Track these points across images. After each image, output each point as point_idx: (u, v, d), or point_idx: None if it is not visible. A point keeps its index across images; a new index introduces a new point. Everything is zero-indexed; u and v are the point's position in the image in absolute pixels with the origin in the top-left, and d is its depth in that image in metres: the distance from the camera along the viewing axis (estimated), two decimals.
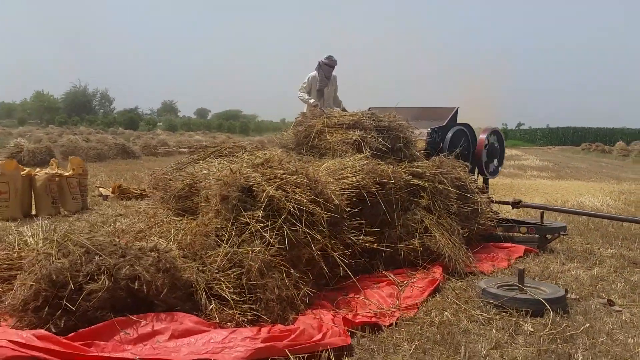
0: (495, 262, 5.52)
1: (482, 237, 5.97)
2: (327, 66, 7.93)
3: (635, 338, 3.60)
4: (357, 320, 3.65)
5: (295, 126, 6.11)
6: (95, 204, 8.89)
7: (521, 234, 6.24)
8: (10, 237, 4.01)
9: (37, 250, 3.50)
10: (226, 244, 3.78)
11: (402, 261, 4.94)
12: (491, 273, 5.20)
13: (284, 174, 4.17)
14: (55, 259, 3.30)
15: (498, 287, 4.29)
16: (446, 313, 3.93)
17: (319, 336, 3.27)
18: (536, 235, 6.19)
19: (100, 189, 9.92)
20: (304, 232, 3.91)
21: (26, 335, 2.95)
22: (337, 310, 3.94)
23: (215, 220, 3.95)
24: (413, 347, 3.34)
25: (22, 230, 3.99)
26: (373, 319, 3.73)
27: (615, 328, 3.79)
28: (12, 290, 3.54)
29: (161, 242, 3.92)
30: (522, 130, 78.75)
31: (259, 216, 3.89)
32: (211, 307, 3.44)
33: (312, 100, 7.79)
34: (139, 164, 17.98)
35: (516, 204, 6.50)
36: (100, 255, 3.35)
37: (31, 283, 3.14)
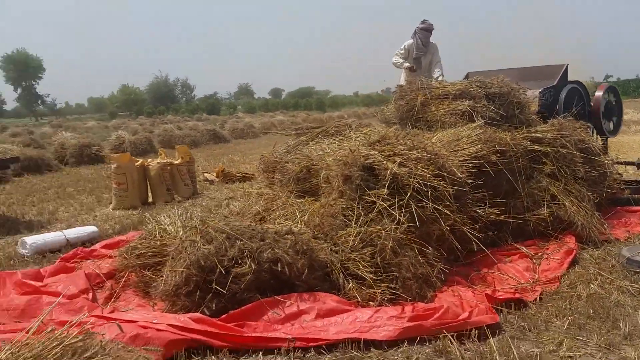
0: (629, 227, 5.17)
1: (609, 202, 5.59)
2: (423, 31, 7.59)
3: None
4: (500, 297, 3.53)
5: (396, 100, 5.96)
6: (203, 188, 9.23)
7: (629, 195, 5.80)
8: (149, 226, 4.22)
9: (181, 238, 3.65)
10: (355, 224, 3.77)
11: (532, 232, 4.72)
12: (627, 240, 4.88)
13: (403, 150, 4.08)
14: (200, 245, 3.42)
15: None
16: (592, 285, 3.72)
17: (465, 314, 3.19)
18: None
19: (205, 174, 10.28)
20: (432, 208, 3.82)
21: (183, 319, 3.10)
22: (473, 286, 3.85)
23: (340, 200, 3.94)
24: (566, 323, 3.18)
25: (159, 219, 4.18)
26: (516, 295, 3.60)
27: None
28: (159, 276, 3.74)
29: (294, 225, 3.99)
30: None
31: (384, 194, 3.84)
32: (349, 286, 3.46)
33: (407, 64, 7.55)
34: (231, 147, 18.50)
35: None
36: (241, 240, 3.44)
37: (182, 269, 3.28)
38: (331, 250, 3.66)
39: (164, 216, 4.20)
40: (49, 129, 31.00)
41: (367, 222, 3.75)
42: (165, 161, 8.15)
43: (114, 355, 2.39)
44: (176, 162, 8.34)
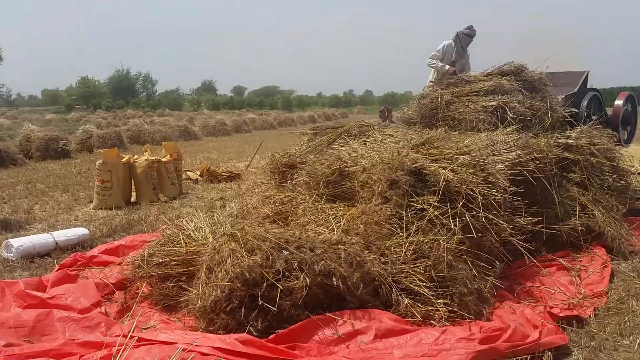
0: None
1: (630, 212, 5.49)
2: (467, 37, 7.30)
3: None
4: (560, 314, 3.31)
5: (419, 99, 5.71)
6: (188, 188, 8.76)
7: None
8: (168, 231, 3.80)
9: (214, 246, 3.27)
10: (404, 233, 3.48)
11: (565, 243, 4.54)
12: None
13: (452, 153, 3.82)
14: (243, 255, 3.06)
15: None
16: None
17: (536, 335, 2.94)
18: None
19: (188, 172, 9.78)
20: (483, 217, 3.57)
21: (230, 341, 2.73)
22: (522, 301, 3.62)
23: (385, 206, 3.64)
24: (637, 343, 2.98)
25: (180, 223, 3.78)
26: (574, 312, 3.38)
27: None
28: (185, 289, 3.36)
29: (330, 232, 3.67)
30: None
31: (434, 201, 3.57)
32: (405, 302, 3.15)
33: (447, 67, 7.20)
34: (204, 145, 17.92)
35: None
36: (287, 250, 3.09)
37: (225, 282, 2.90)
38: (380, 262, 3.34)
39: (186, 220, 3.79)
40: (5, 120, 29.51)
41: (416, 231, 3.46)
42: (153, 158, 7.66)
43: None
44: (164, 159, 7.86)
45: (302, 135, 5.92)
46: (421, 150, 3.93)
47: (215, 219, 3.77)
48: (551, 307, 3.44)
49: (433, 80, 6.99)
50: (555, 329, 3.05)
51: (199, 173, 9.67)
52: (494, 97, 5.22)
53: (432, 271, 3.28)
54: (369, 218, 3.65)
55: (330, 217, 3.94)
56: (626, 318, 3.33)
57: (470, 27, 7.16)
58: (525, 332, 2.99)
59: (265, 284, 2.93)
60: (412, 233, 3.47)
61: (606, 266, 4.21)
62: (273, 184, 5.63)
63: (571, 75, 6.44)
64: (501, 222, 3.62)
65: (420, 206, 3.59)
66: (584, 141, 5.01)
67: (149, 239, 4.69)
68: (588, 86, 6.40)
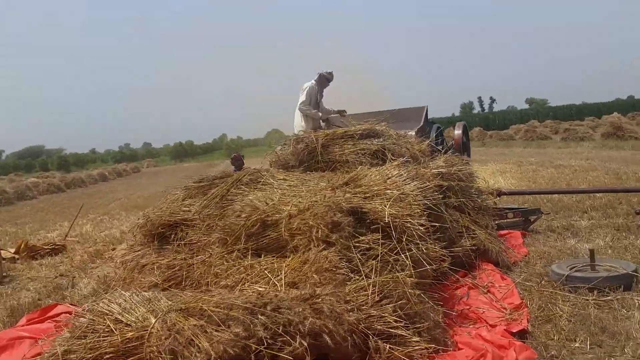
0: (515, 249, 5.68)
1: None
2: (327, 81, 7.43)
3: None
4: (514, 330, 3.47)
5: (295, 144, 5.67)
6: (8, 269, 7.28)
7: (508, 220, 6.53)
8: (82, 319, 3.04)
9: (169, 327, 2.72)
10: (358, 276, 3.35)
11: (464, 263, 4.83)
12: (521, 261, 5.35)
13: (380, 189, 3.83)
14: (215, 330, 2.60)
15: (578, 270, 4.40)
16: (563, 306, 3.92)
17: (513, 354, 3.04)
18: (522, 219, 6.55)
19: (1, 251, 8.15)
20: (424, 248, 3.63)
21: None
22: (463, 324, 3.73)
23: (330, 251, 3.46)
24: (587, 343, 3.28)
25: (99, 308, 3.05)
26: (521, 326, 3.58)
27: None
28: None
29: (272, 288, 3.35)
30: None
31: (379, 239, 3.52)
32: (387, 348, 3.00)
33: (320, 114, 7.26)
34: None
35: (499, 194, 6.81)
36: (264, 315, 2.73)
37: None
38: (347, 310, 3.14)
39: (104, 303, 3.09)
40: None
41: (370, 271, 3.36)
42: None
43: None
44: None
45: (186, 189, 5.40)
46: (348, 189, 3.85)
47: (142, 296, 3.14)
48: (493, 326, 3.60)
49: (304, 124, 7.06)
50: (522, 345, 3.18)
51: (13, 250, 8.15)
52: (370, 140, 5.43)
53: (399, 310, 3.19)
54: (318, 266, 3.42)
55: (266, 272, 3.61)
56: (559, 324, 3.62)
57: (331, 73, 7.37)
58: (500, 355, 3.07)
59: (253, 356, 2.53)
60: (367, 274, 3.35)
61: (505, 279, 4.59)
62: (152, 249, 5.02)
63: (414, 111, 7.06)
64: (435, 249, 3.71)
65: (367, 245, 3.50)
66: (452, 169, 5.47)
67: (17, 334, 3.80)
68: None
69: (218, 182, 5.00)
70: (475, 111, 77.60)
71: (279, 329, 2.67)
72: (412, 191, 4.40)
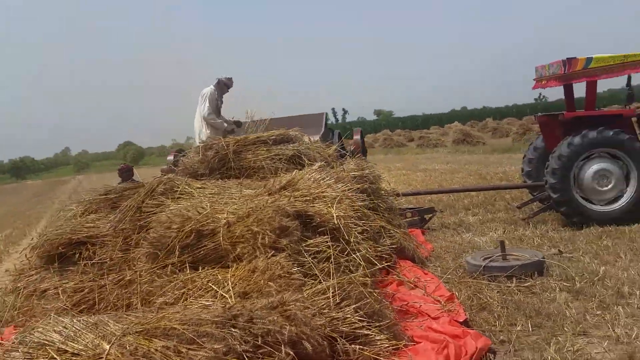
0: (422, 244, 5.92)
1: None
2: (226, 87, 7.13)
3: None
4: (460, 320, 3.59)
5: (204, 151, 5.39)
6: None
7: (407, 219, 6.81)
8: (15, 354, 2.53)
9: (129, 352, 2.40)
10: (314, 280, 3.26)
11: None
12: (431, 256, 5.60)
13: (319, 192, 3.76)
14: (186, 349, 2.36)
15: (492, 261, 4.70)
16: (491, 293, 4.15)
17: (471, 343, 3.14)
18: (417, 218, 6.88)
19: None
20: (371, 247, 3.64)
21: None
22: (406, 318, 3.80)
23: (279, 257, 3.33)
24: (528, 326, 3.50)
25: (34, 340, 2.56)
26: (464, 316, 3.72)
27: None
28: None
29: (220, 301, 3.13)
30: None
31: (327, 241, 3.46)
32: (356, 349, 2.94)
33: (225, 124, 7.09)
34: None
35: (398, 195, 7.07)
36: (235, 328, 2.53)
37: None
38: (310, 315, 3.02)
39: (40, 332, 2.62)
40: None
41: (325, 274, 3.28)
42: None
43: None
44: None
45: (67, 208, 4.85)
46: (286, 193, 3.74)
47: (83, 320, 2.73)
48: (436, 318, 3.70)
49: (208, 132, 6.75)
50: (476, 333, 3.31)
51: None
52: (284, 145, 5.35)
53: (360, 310, 3.15)
54: (270, 273, 3.25)
55: (210, 284, 3.36)
56: (494, 312, 3.82)
57: (230, 79, 7.12)
58: (459, 344, 3.16)
59: None
60: (321, 278, 3.27)
61: (427, 274, 4.76)
62: (51, 272, 4.47)
63: (313, 117, 7.10)
64: (382, 248, 3.74)
65: (316, 249, 3.42)
66: (364, 172, 5.57)
67: None
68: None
69: (128, 193, 4.58)
70: (329, 122, 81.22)
71: (257, 340, 2.49)
72: (342, 193, 4.42)
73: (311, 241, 3.47)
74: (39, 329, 2.70)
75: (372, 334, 3.04)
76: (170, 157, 7.60)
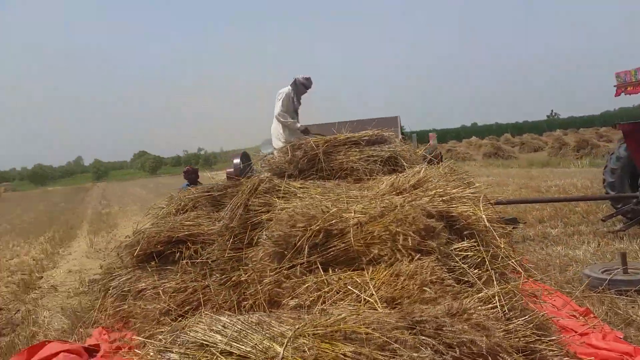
0: None
1: None
2: (303, 87, 6.85)
3: None
4: (620, 337, 3.28)
5: (292, 151, 5.11)
6: None
7: None
8: (171, 356, 2.25)
9: (312, 356, 2.11)
10: (471, 288, 2.96)
11: None
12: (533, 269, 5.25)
13: (458, 191, 3.48)
14: (381, 356, 2.07)
15: (616, 274, 4.34)
16: (623, 310, 3.82)
17: None
18: None
19: None
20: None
21: None
22: None
23: (432, 260, 3.03)
24: None
25: (194, 340, 2.29)
26: (620, 332, 3.39)
27: None
28: None
29: (363, 307, 2.84)
30: None
31: (475, 246, 3.17)
32: None
33: (298, 124, 6.76)
34: None
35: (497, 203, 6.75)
36: (423, 334, 2.24)
37: None
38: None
39: (199, 332, 2.35)
40: None
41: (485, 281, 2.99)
42: None
43: None
44: None
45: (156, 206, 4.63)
46: (418, 193, 3.46)
47: (246, 320, 2.44)
48: (584, 334, 3.38)
49: (283, 134, 6.52)
50: None
51: None
52: (379, 146, 5.07)
53: (530, 323, 2.83)
54: (422, 278, 2.95)
55: (349, 287, 3.07)
56: None
57: (308, 79, 6.84)
58: None
59: None
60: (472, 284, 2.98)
61: (545, 287, 4.43)
62: (148, 271, 4.23)
63: (388, 120, 6.80)
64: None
65: (464, 253, 3.12)
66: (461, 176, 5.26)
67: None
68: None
69: (232, 191, 4.33)
70: None
71: (455, 351, 2.19)
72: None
73: (458, 245, 3.16)
74: (195, 329, 2.43)
75: (544, 349, 2.71)
76: (237, 160, 7.36)
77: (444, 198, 3.44)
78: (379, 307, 2.86)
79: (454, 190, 3.55)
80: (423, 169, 4.14)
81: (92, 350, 3.80)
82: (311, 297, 3.10)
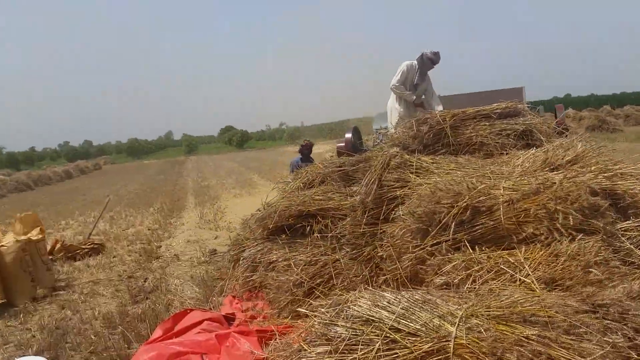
0: None
1: None
2: (430, 62, 6.67)
3: None
4: None
5: (418, 126, 5.00)
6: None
7: None
8: (337, 329, 2.29)
9: (491, 337, 2.05)
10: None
11: None
12: None
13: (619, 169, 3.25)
14: (571, 341, 1.97)
15: None
16: None
17: None
18: None
19: None
20: None
21: None
22: None
23: (592, 240, 2.86)
24: None
25: (360, 316, 2.31)
26: None
27: None
28: None
29: (521, 287, 2.73)
30: None
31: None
32: None
33: (414, 97, 6.63)
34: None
35: None
36: (607, 317, 2.11)
37: None
38: None
39: (364, 306, 2.37)
40: None
41: None
42: (24, 237, 5.30)
43: None
44: (34, 237, 5.51)
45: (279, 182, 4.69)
46: (577, 169, 3.26)
47: (410, 296, 2.43)
48: None
49: (398, 107, 6.43)
50: None
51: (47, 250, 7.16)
52: (511, 119, 4.83)
53: None
54: (586, 259, 2.80)
55: (502, 267, 2.97)
56: None
57: (436, 54, 6.62)
58: None
59: None
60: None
61: None
62: (279, 244, 4.32)
63: (512, 92, 6.51)
64: None
65: (630, 233, 2.92)
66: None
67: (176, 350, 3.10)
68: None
69: (363, 166, 4.31)
70: None
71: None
72: None
73: (623, 224, 2.96)
74: (358, 304, 2.44)
75: None
76: (349, 135, 7.35)
77: (605, 175, 3.22)
78: (536, 287, 2.76)
79: (616, 167, 3.31)
80: (580, 143, 3.88)
81: (229, 319, 3.95)
82: (460, 275, 3.03)
